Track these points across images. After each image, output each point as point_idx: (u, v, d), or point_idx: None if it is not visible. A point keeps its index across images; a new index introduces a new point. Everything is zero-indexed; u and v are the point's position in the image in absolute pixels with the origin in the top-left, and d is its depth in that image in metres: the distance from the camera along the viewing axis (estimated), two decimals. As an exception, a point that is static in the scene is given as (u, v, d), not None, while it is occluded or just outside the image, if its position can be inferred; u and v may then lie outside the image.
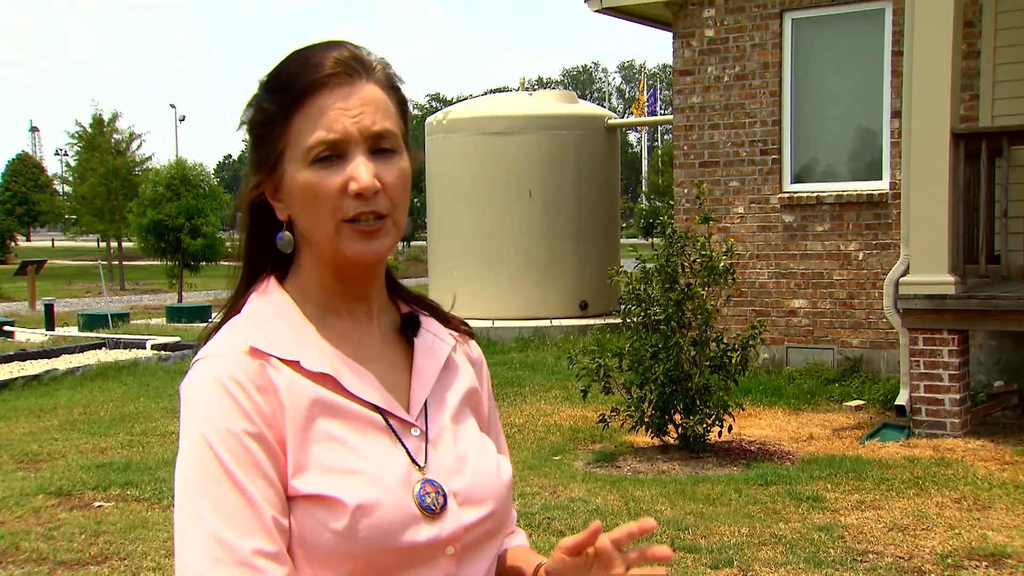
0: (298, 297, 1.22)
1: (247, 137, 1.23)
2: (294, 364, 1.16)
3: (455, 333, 1.35)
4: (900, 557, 4.61)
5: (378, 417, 1.18)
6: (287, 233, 1.22)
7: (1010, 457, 6.19)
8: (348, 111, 1.16)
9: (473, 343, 1.39)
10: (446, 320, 1.35)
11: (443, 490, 1.18)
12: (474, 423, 1.31)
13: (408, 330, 1.28)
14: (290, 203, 1.20)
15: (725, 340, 6.78)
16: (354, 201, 1.16)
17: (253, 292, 1.23)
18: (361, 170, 1.16)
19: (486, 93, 21.88)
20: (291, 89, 1.17)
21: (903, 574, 4.42)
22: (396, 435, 1.19)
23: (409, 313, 1.30)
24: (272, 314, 1.20)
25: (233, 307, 1.24)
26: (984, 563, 4.51)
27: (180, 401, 1.16)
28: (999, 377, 7.99)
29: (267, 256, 1.25)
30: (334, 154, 1.16)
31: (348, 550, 1.10)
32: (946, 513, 5.18)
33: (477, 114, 13.16)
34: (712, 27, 9.79)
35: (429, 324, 1.31)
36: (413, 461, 1.18)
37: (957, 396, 6.79)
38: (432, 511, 1.15)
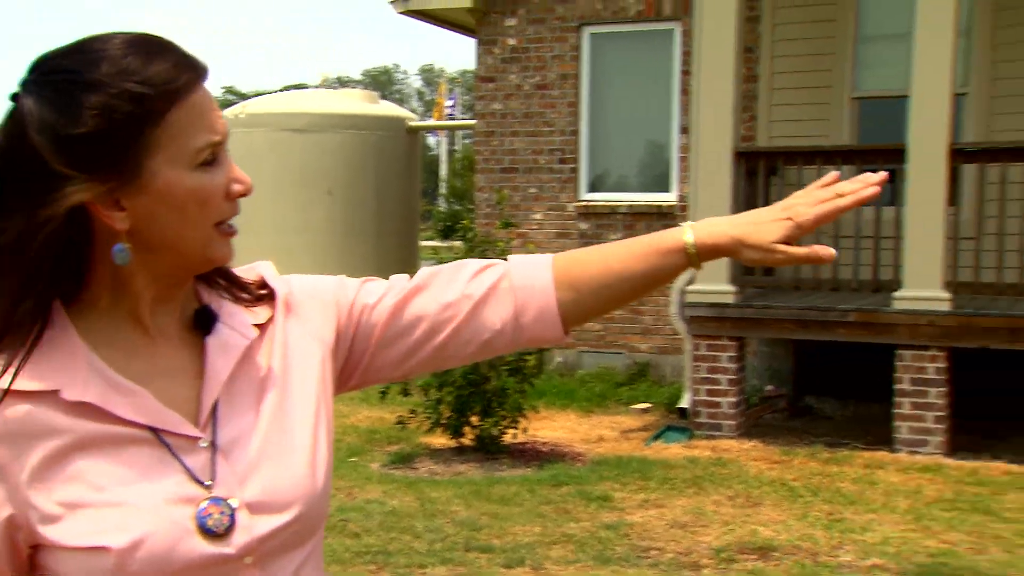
0: (82, 321, 1.11)
1: (78, 129, 1.03)
2: (52, 395, 1.06)
3: (258, 306, 1.22)
4: (680, 553, 4.85)
5: (150, 436, 1.09)
6: (128, 245, 1.08)
7: (778, 457, 6.63)
8: (216, 111, 1.11)
9: (291, 293, 1.25)
10: (244, 289, 1.22)
11: (230, 507, 1.10)
12: (301, 411, 1.21)
13: (201, 327, 1.17)
14: (154, 210, 1.08)
15: (522, 344, 6.94)
16: (229, 204, 1.13)
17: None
18: (240, 172, 1.13)
19: (284, 89, 21.42)
20: (173, 82, 1.07)
21: (682, 568, 4.66)
22: (174, 454, 1.09)
23: (203, 308, 1.18)
24: (49, 341, 1.09)
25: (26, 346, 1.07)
26: (754, 556, 4.81)
27: None
28: (770, 382, 8.55)
29: (62, 278, 1.09)
30: (214, 156, 1.10)
31: None
32: (722, 510, 5.50)
33: (277, 110, 12.90)
34: (514, 36, 9.99)
35: (231, 314, 1.19)
36: (195, 479, 1.09)
37: (734, 400, 7.22)
38: (215, 533, 1.08)
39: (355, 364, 1.29)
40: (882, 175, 1.25)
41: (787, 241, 1.23)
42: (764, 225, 1.24)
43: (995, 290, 6.87)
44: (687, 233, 1.25)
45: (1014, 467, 6.27)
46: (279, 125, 12.59)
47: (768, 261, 1.24)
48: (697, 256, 1.25)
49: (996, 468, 6.26)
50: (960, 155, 6.83)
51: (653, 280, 1.27)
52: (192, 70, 1.09)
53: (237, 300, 1.21)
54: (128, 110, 1.04)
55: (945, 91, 6.57)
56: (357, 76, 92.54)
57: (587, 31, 9.78)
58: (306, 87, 26.47)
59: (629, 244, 1.29)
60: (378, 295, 1.29)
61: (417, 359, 1.29)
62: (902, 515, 5.36)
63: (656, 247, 1.26)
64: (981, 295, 6.95)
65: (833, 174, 1.28)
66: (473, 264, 1.32)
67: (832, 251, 1.25)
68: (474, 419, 6.72)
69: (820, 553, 4.80)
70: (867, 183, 1.23)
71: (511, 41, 10.00)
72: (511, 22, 9.98)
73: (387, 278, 1.33)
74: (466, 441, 6.81)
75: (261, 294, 1.23)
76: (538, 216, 9.92)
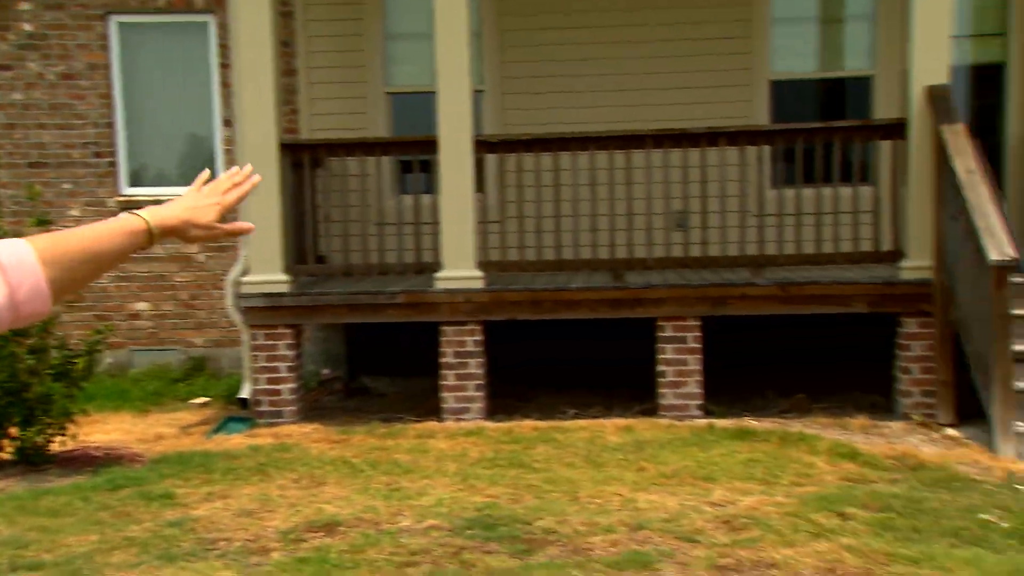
0: None
1: None
2: None
3: None
4: (248, 540, 4.92)
5: None
6: None
7: (336, 436, 6.90)
8: None
9: None
10: None
11: None
12: None
13: None
14: None
15: (69, 346, 6.58)
16: None
17: None
18: None
19: None
20: None
21: (250, 555, 4.73)
22: None
23: None
24: None
25: None
26: (321, 533, 5.00)
27: None
28: (325, 365, 8.84)
29: None
30: None
31: None
32: (287, 493, 5.64)
33: None
34: (30, 22, 9.31)
35: None
36: None
37: (293, 386, 7.39)
38: None
39: None
40: (246, 170, 1.67)
41: (219, 220, 1.59)
42: (202, 208, 1.57)
43: (519, 267, 7.67)
44: (148, 216, 1.53)
45: (540, 423, 7.08)
46: None
47: (210, 236, 1.58)
48: (157, 235, 1.54)
49: (526, 426, 7.03)
50: (483, 146, 7.53)
51: (123, 255, 1.51)
52: None
53: None
54: None
55: (465, 88, 7.20)
56: None
57: (114, 20, 9.37)
58: None
59: (102, 226, 1.50)
60: None
61: None
62: (451, 477, 5.85)
63: (125, 228, 1.50)
64: (507, 272, 7.73)
65: (205, 172, 1.67)
66: None
67: (251, 224, 1.71)
68: (13, 430, 6.26)
69: (382, 522, 5.12)
70: (247, 175, 1.65)
71: (27, 27, 9.30)
72: (26, 6, 9.29)
73: None
74: (5, 455, 6.32)
75: None
76: (75, 212, 9.35)
